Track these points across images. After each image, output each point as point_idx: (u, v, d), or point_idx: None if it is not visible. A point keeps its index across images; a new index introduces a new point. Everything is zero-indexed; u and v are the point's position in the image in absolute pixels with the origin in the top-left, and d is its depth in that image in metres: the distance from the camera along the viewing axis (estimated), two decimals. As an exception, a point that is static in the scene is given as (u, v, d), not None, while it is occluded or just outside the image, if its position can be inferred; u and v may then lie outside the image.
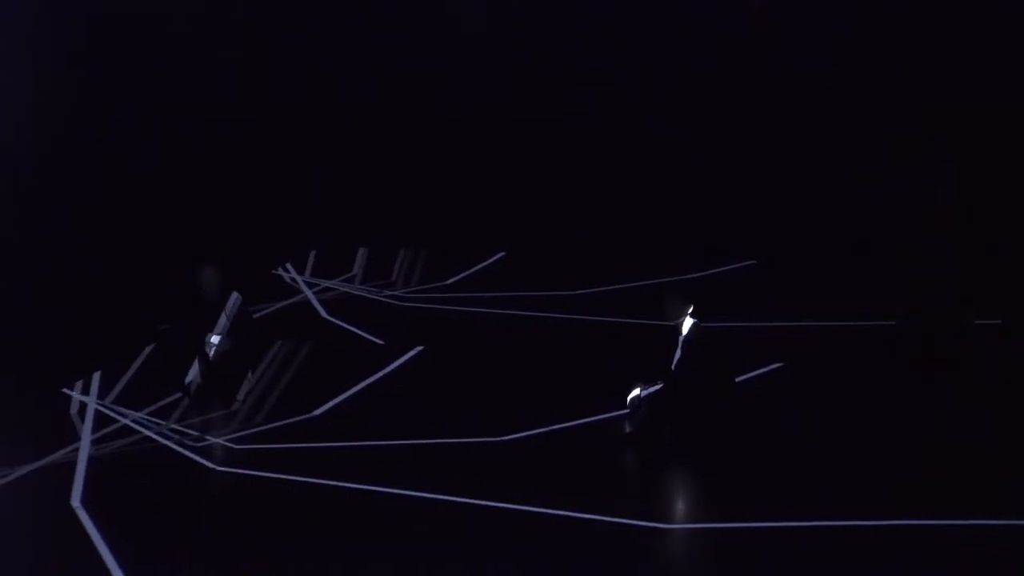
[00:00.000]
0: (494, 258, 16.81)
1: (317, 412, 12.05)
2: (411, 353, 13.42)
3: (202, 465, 10.90)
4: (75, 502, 10.10)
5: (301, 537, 9.66)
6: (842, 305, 14.18)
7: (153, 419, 11.69)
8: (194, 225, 15.56)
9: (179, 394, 12.07)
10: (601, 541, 9.58)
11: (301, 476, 10.59)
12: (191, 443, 11.28)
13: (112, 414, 11.68)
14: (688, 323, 11.22)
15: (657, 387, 11.21)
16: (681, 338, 11.27)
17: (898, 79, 17.09)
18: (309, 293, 15.35)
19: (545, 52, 17.87)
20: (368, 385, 12.65)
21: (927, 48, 16.95)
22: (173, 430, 11.52)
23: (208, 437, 11.43)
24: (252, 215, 16.52)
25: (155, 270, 14.12)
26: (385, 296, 15.56)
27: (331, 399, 12.17)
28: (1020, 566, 9.05)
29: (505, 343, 13.92)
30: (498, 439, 11.41)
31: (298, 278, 15.70)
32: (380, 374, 12.93)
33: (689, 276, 15.41)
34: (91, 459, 10.81)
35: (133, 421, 11.61)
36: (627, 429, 11.27)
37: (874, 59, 17.26)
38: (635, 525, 9.70)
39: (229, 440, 11.42)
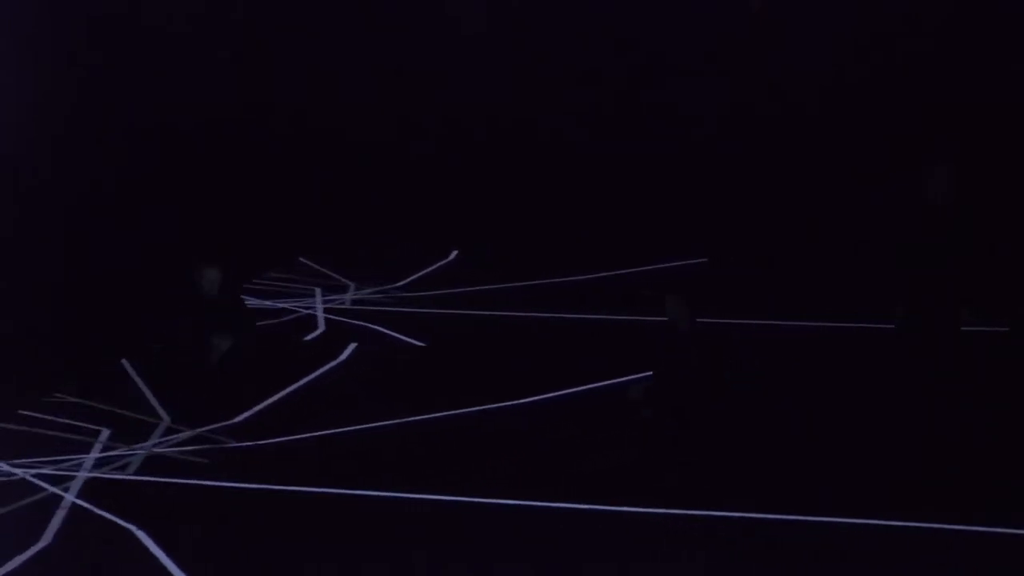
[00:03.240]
0: (448, 258, 16.96)
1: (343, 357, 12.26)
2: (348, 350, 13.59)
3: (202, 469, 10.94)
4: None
5: (292, 538, 9.69)
6: (841, 305, 14.18)
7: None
8: (194, 225, 15.55)
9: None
10: (592, 535, 9.59)
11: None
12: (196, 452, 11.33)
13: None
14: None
15: (653, 383, 11.23)
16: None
17: (898, 79, 17.07)
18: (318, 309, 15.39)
19: (545, 52, 17.87)
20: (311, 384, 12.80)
21: (927, 48, 16.93)
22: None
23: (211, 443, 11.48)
24: (252, 215, 16.52)
25: (155, 270, 14.11)
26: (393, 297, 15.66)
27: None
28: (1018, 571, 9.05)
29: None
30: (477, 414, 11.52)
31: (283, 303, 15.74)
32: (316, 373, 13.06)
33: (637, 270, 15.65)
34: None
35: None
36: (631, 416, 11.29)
37: (874, 59, 17.24)
38: (628, 512, 9.72)
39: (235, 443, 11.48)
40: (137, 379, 12.18)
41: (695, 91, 17.65)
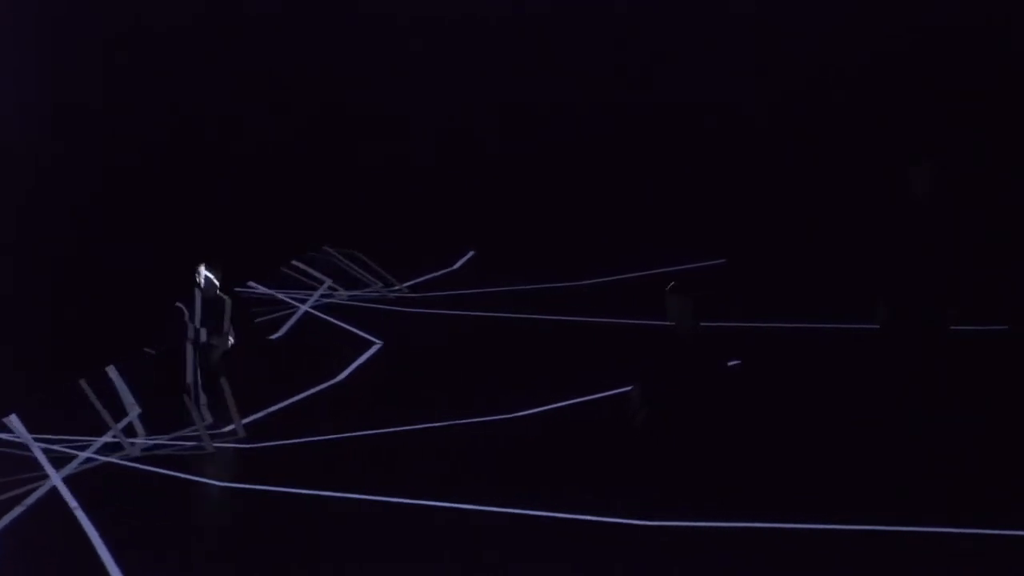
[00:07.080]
0: (465, 258, 17.08)
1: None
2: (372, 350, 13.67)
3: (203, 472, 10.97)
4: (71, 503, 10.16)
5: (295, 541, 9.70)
6: (839, 304, 14.21)
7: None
8: (195, 226, 15.58)
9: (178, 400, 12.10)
10: (589, 540, 9.60)
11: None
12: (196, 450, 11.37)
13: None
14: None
15: (652, 382, 11.24)
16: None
17: (898, 78, 17.11)
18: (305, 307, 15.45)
19: (560, 53, 17.93)
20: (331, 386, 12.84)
21: (927, 47, 16.96)
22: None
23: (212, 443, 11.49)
24: (253, 217, 16.55)
25: (156, 271, 14.15)
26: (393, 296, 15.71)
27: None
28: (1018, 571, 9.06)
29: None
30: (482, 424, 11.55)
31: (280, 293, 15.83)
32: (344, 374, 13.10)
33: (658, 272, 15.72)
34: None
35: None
36: (633, 421, 11.29)
37: (873, 58, 17.27)
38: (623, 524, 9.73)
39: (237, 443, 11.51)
40: (123, 385, 12.22)
41: (693, 90, 17.70)
